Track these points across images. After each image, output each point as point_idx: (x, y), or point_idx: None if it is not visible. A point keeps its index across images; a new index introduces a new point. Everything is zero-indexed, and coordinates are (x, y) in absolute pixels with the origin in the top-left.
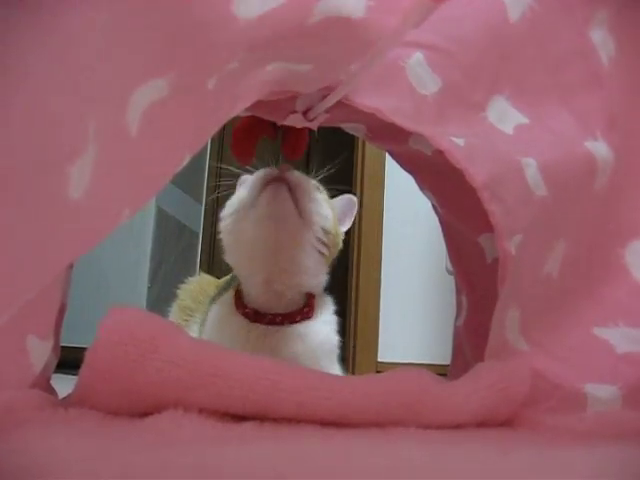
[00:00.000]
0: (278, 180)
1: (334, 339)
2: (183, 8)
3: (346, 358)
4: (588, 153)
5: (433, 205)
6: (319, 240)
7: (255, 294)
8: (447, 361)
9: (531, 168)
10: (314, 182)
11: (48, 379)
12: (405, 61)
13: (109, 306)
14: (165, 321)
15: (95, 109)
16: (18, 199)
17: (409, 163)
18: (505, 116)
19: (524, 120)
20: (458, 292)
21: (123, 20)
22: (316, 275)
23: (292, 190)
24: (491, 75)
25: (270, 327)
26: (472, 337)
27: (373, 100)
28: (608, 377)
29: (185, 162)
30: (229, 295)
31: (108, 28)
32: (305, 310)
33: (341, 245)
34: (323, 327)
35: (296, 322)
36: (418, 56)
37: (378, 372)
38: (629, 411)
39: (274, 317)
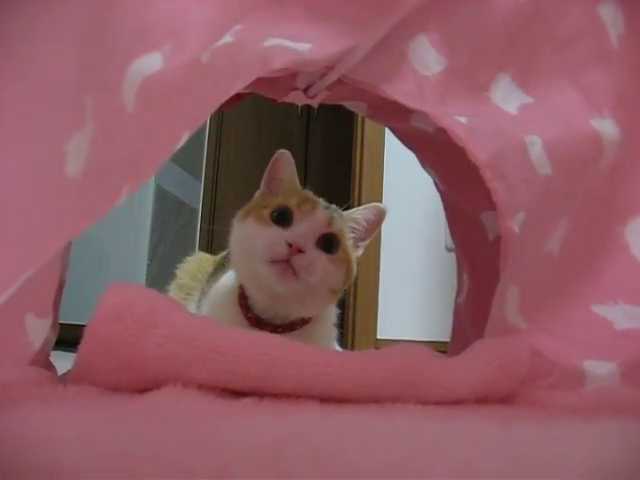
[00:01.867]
0: (285, 261)
1: (333, 343)
2: None
3: (345, 334)
4: (594, 131)
5: (435, 182)
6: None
7: (260, 308)
8: (446, 338)
9: (536, 146)
10: (333, 210)
11: (47, 356)
12: (407, 43)
13: (109, 283)
14: (164, 297)
15: (91, 84)
16: (16, 177)
17: (411, 140)
18: (509, 96)
19: (529, 100)
20: (459, 269)
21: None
22: (324, 308)
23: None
24: (496, 55)
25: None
26: (473, 315)
27: (374, 79)
28: (607, 354)
29: (184, 139)
30: (234, 290)
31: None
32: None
33: (355, 270)
34: (322, 336)
35: (295, 329)
36: (421, 38)
37: (377, 349)
38: (628, 387)
39: (275, 328)
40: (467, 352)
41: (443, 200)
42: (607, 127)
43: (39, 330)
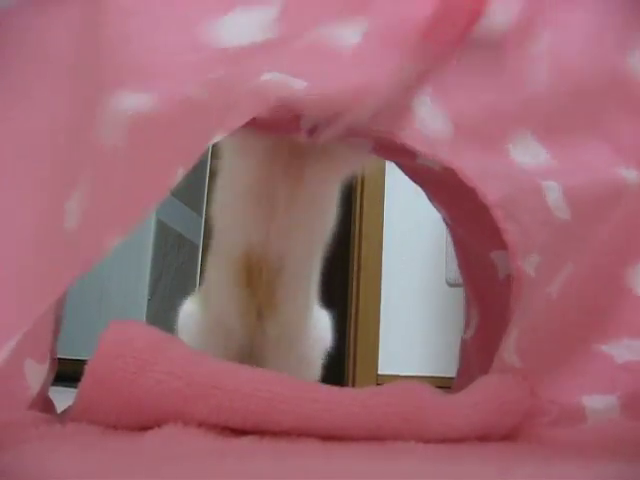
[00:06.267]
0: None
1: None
2: None
3: (346, 369)
4: (619, 180)
5: (443, 218)
6: None
7: None
8: (448, 373)
9: (554, 191)
10: None
11: (45, 396)
12: (412, 99)
13: (109, 318)
14: (164, 333)
15: (80, 133)
16: (18, 235)
17: (417, 177)
18: (528, 150)
19: (550, 152)
20: (468, 305)
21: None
22: None
23: None
24: (513, 113)
25: None
26: (480, 351)
27: (381, 127)
28: (606, 387)
29: (179, 177)
30: None
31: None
32: None
33: None
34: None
35: None
36: (424, 99)
37: (378, 384)
38: (628, 420)
39: None
40: (469, 389)
41: (451, 235)
42: (631, 175)
43: (37, 375)
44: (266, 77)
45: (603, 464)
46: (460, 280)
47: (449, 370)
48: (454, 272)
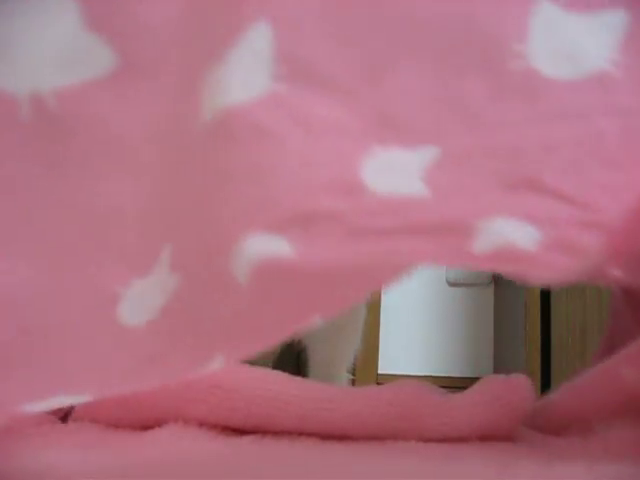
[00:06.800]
0: None
1: None
2: None
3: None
4: None
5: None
6: None
7: None
8: (448, 373)
9: None
10: None
11: None
12: None
13: None
14: None
15: (177, 235)
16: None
17: None
18: None
19: None
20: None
21: None
22: None
23: None
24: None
25: None
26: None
27: None
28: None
29: (316, 323)
30: None
31: None
32: None
33: None
34: None
35: None
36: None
37: (378, 384)
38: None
39: None
40: (471, 389)
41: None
42: None
43: None
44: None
45: (604, 464)
46: (460, 280)
47: (449, 370)
48: (454, 272)
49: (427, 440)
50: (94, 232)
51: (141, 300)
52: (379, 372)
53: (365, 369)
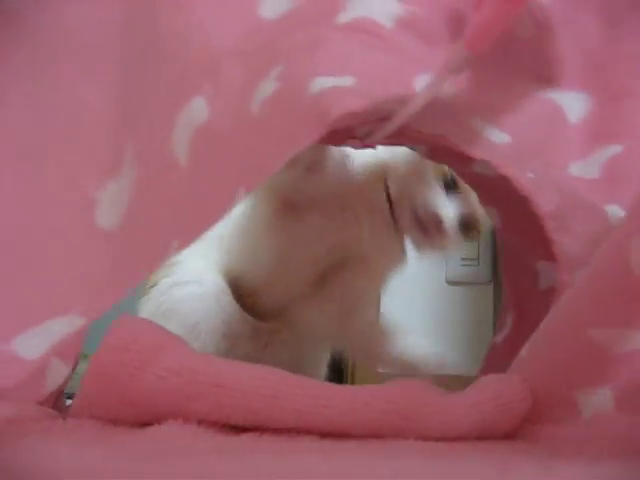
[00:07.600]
0: None
1: None
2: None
3: (345, 368)
4: None
5: (494, 223)
6: None
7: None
8: (447, 371)
9: (616, 218)
10: None
11: (60, 392)
12: (466, 107)
13: (117, 314)
14: (171, 333)
15: (134, 130)
16: (36, 211)
17: (470, 181)
18: (591, 167)
19: (617, 150)
20: (503, 310)
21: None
22: None
23: None
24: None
25: None
26: (509, 357)
27: (439, 131)
28: (599, 380)
29: (241, 198)
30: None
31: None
32: None
33: None
34: None
35: None
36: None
37: (378, 382)
38: (622, 414)
39: None
40: (470, 388)
41: (499, 240)
42: None
43: (59, 375)
44: (317, 87)
45: (603, 463)
46: (460, 279)
47: (449, 369)
48: (454, 271)
49: (426, 439)
50: (66, 131)
51: (113, 202)
52: (379, 371)
53: (364, 367)
